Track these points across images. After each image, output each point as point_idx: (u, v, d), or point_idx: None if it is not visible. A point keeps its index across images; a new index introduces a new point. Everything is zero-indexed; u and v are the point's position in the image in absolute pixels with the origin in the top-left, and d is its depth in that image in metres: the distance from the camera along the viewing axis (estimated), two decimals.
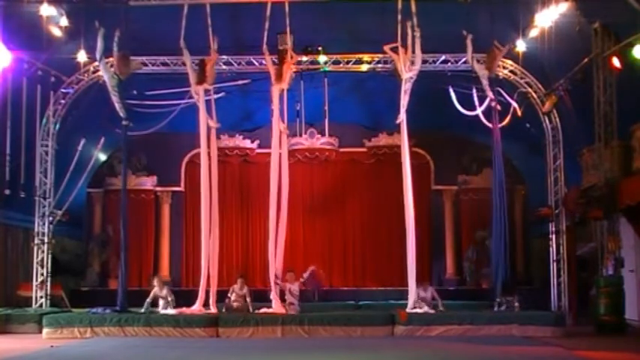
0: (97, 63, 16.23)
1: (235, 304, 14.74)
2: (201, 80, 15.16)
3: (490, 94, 15.12)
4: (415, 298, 14.37)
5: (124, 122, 15.23)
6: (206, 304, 14.74)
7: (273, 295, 14.58)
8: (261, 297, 15.68)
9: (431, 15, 14.86)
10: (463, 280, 19.87)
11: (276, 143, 15.20)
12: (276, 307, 14.46)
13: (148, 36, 15.79)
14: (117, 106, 15.12)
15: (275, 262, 14.69)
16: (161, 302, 14.87)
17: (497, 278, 14.81)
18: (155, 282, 15.17)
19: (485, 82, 15.21)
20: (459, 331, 13.46)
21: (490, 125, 15.37)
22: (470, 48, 15.13)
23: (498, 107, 15.24)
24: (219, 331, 13.64)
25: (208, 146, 15.33)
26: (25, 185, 15.77)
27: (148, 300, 14.78)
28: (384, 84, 16.60)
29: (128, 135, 15.61)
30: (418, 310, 14.12)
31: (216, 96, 16.12)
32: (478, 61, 15.49)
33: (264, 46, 15.00)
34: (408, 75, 14.72)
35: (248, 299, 14.79)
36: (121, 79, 15.07)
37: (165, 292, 14.89)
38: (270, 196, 14.99)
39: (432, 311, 14.20)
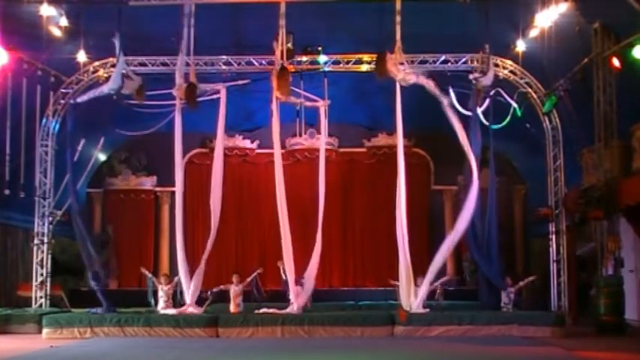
0: (97, 63, 16.34)
1: (232, 308, 14.98)
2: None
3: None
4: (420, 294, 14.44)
5: (71, 101, 15.74)
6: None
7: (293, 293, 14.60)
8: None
9: (431, 15, 14.86)
10: (463, 280, 19.88)
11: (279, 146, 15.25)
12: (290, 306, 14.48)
13: (148, 36, 15.79)
14: (88, 95, 15.42)
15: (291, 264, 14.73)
16: (161, 301, 14.89)
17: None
18: (162, 279, 15.24)
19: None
20: (459, 331, 13.45)
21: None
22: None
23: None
24: (219, 331, 13.65)
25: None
26: (24, 185, 15.77)
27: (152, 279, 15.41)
28: (384, 84, 16.58)
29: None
30: (418, 311, 14.13)
31: (216, 96, 16.12)
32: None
33: (276, 43, 14.96)
34: (400, 81, 14.76)
35: (239, 299, 15.03)
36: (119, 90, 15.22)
37: (168, 287, 14.94)
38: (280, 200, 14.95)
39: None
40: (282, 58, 14.85)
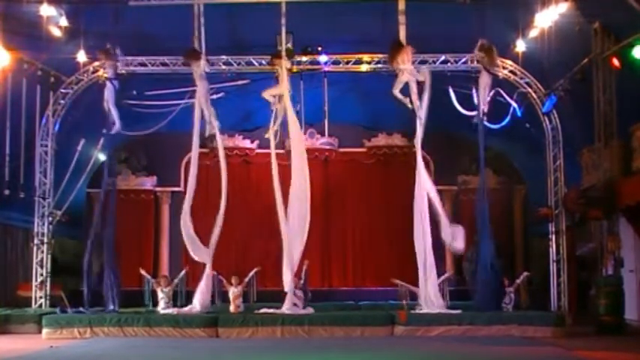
0: (97, 63, 16.37)
1: (232, 308, 15.01)
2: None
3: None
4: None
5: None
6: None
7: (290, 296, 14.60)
8: (261, 297, 15.71)
9: (431, 15, 14.85)
10: (463, 280, 19.86)
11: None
12: (287, 306, 14.46)
13: (147, 36, 15.79)
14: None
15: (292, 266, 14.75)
16: (161, 301, 14.89)
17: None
18: (162, 281, 15.23)
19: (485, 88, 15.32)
20: (459, 331, 13.46)
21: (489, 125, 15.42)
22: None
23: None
24: (218, 332, 13.65)
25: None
26: (24, 185, 15.78)
27: (151, 281, 15.45)
28: (384, 84, 16.59)
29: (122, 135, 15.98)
30: (418, 310, 14.14)
31: (215, 96, 16.13)
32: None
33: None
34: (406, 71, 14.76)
35: (239, 301, 15.05)
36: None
37: (168, 288, 14.95)
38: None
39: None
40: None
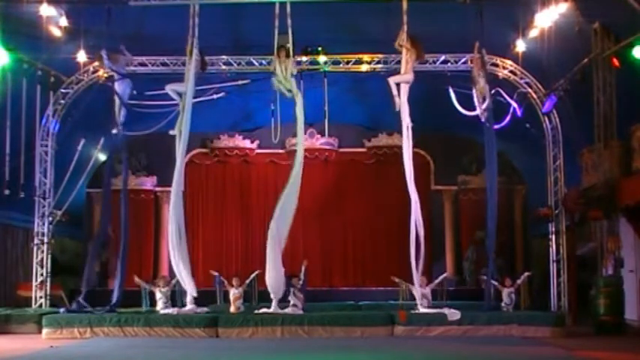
0: (97, 63, 16.36)
1: (232, 309, 15.01)
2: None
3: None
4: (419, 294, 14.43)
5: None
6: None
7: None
8: (261, 297, 15.71)
9: (431, 15, 14.85)
10: (463, 280, 19.89)
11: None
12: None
13: (147, 36, 15.80)
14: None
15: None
16: (160, 302, 14.88)
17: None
18: (161, 282, 15.22)
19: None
20: (459, 331, 13.45)
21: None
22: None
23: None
24: (219, 332, 13.63)
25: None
26: (24, 185, 15.78)
27: (147, 288, 15.24)
28: (384, 84, 16.59)
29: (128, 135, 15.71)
30: (418, 311, 14.12)
31: (216, 96, 16.14)
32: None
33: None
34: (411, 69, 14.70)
35: (239, 302, 15.07)
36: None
37: (166, 289, 14.95)
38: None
39: (433, 310, 14.17)
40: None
